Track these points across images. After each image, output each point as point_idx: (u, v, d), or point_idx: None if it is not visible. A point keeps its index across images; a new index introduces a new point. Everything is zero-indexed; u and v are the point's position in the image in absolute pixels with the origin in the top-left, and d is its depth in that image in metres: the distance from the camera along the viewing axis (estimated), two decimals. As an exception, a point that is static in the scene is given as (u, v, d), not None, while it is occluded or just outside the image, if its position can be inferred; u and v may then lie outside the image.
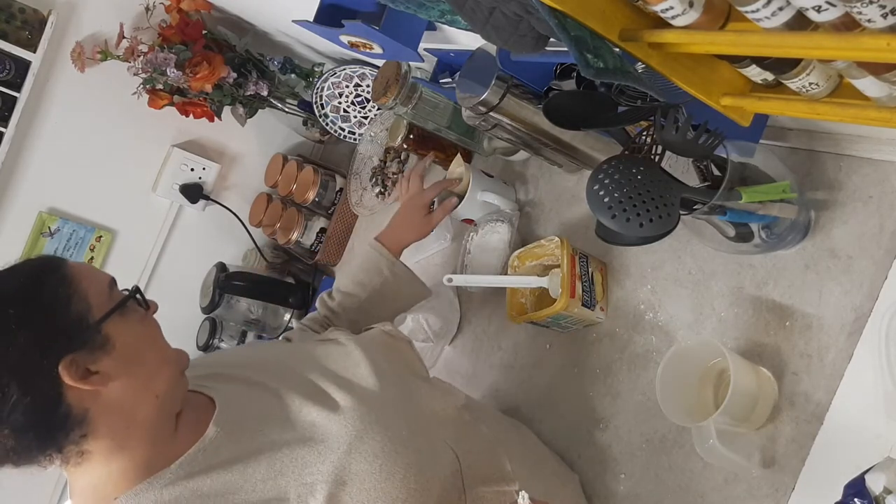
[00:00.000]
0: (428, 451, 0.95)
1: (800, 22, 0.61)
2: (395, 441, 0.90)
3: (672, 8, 0.66)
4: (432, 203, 1.44)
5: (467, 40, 1.25)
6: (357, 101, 1.99)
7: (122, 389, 0.84)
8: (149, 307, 0.93)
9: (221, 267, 2.19)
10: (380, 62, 1.60)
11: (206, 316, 2.26)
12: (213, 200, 2.22)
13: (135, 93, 1.94)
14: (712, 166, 0.96)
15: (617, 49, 0.73)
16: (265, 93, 1.97)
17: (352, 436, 0.89)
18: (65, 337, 0.81)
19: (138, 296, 0.91)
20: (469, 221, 1.52)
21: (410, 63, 1.47)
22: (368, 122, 1.98)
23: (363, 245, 1.29)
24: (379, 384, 0.98)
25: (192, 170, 2.19)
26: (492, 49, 1.12)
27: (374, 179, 1.89)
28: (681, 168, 0.98)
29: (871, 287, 0.91)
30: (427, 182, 1.48)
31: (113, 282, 0.91)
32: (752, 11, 0.61)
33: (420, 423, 0.98)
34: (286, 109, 2.09)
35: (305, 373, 1.00)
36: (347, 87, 1.97)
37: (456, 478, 0.95)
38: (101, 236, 2.16)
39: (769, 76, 0.77)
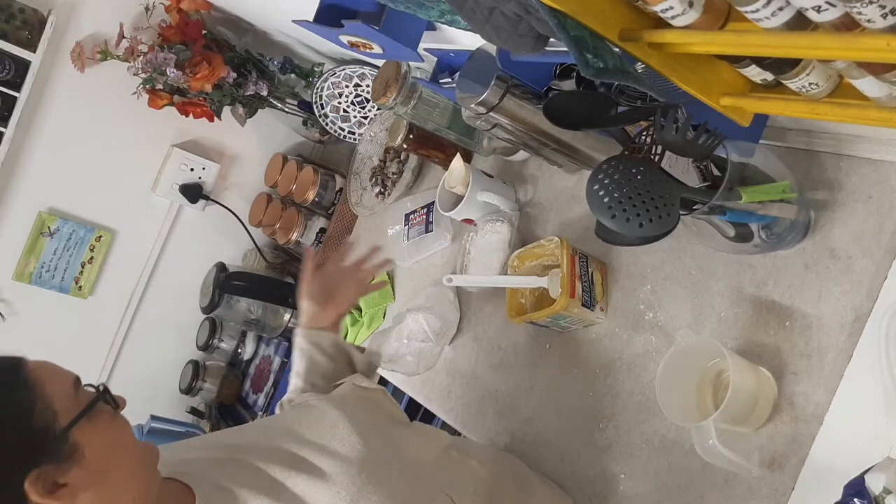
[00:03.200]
0: (424, 500, 0.93)
1: (800, 22, 0.61)
2: (392, 497, 0.87)
3: (672, 8, 0.66)
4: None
5: (467, 40, 1.25)
6: (357, 101, 1.99)
7: (95, 499, 0.77)
8: (118, 405, 0.83)
9: (221, 267, 2.19)
10: (380, 62, 1.60)
11: (206, 316, 2.26)
12: (212, 200, 2.22)
13: (135, 93, 1.95)
14: (712, 166, 0.96)
15: (617, 49, 0.73)
16: (265, 93, 1.97)
17: (347, 502, 0.85)
18: (29, 450, 0.73)
19: (106, 396, 0.82)
20: (469, 221, 1.52)
21: (410, 63, 1.47)
22: (368, 122, 1.98)
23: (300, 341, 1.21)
24: (361, 441, 0.92)
25: (192, 170, 2.19)
26: (492, 49, 1.12)
27: (373, 179, 1.89)
28: (681, 168, 0.98)
29: (870, 287, 0.91)
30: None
31: (77, 380, 0.82)
32: (752, 11, 0.61)
33: (411, 473, 0.95)
34: (286, 109, 2.09)
35: (283, 445, 0.92)
36: (347, 87, 1.97)
37: None
38: (101, 236, 2.16)
39: (769, 76, 0.77)
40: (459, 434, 1.50)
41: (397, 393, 1.83)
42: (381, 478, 0.89)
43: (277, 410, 1.16)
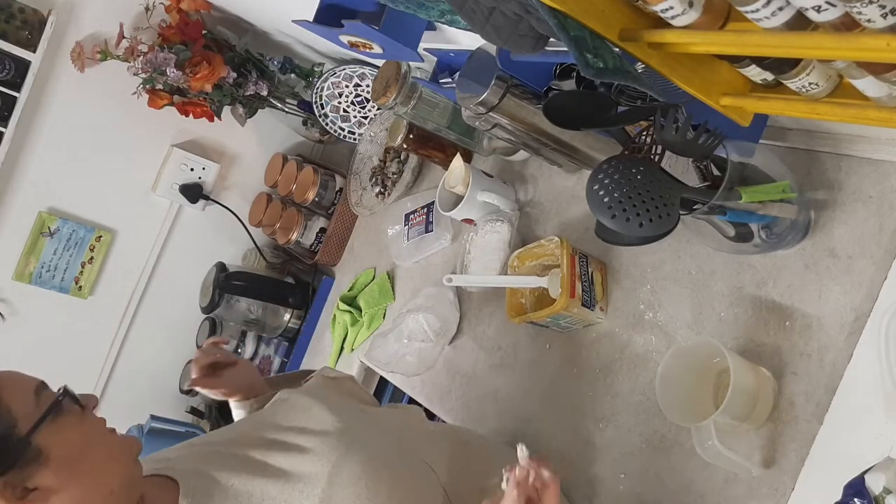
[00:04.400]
0: (405, 462, 0.94)
1: (800, 22, 0.61)
2: (373, 458, 0.90)
3: (672, 8, 0.66)
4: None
5: (467, 40, 1.25)
6: (357, 101, 1.99)
7: (70, 498, 0.78)
8: (84, 405, 0.83)
9: (221, 267, 2.19)
10: (380, 62, 1.60)
11: (205, 316, 2.26)
12: (212, 200, 2.22)
13: (135, 93, 1.94)
14: (712, 166, 0.96)
15: (617, 49, 0.73)
16: (265, 93, 1.97)
17: (328, 468, 0.87)
18: None
19: (68, 397, 0.82)
20: (469, 221, 1.52)
21: (410, 63, 1.47)
22: (368, 122, 1.98)
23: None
24: (336, 417, 0.96)
25: (192, 170, 2.19)
26: (492, 49, 1.12)
27: (373, 179, 1.89)
28: (681, 168, 0.98)
29: (870, 287, 0.91)
30: None
31: (41, 386, 0.81)
32: (752, 11, 0.61)
33: (390, 440, 0.98)
34: (286, 109, 2.09)
35: (262, 433, 0.96)
36: (347, 87, 1.97)
37: (437, 487, 0.95)
38: (100, 236, 2.16)
39: (769, 76, 0.77)
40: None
41: (397, 393, 1.83)
42: (361, 443, 0.92)
43: None
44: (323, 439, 0.91)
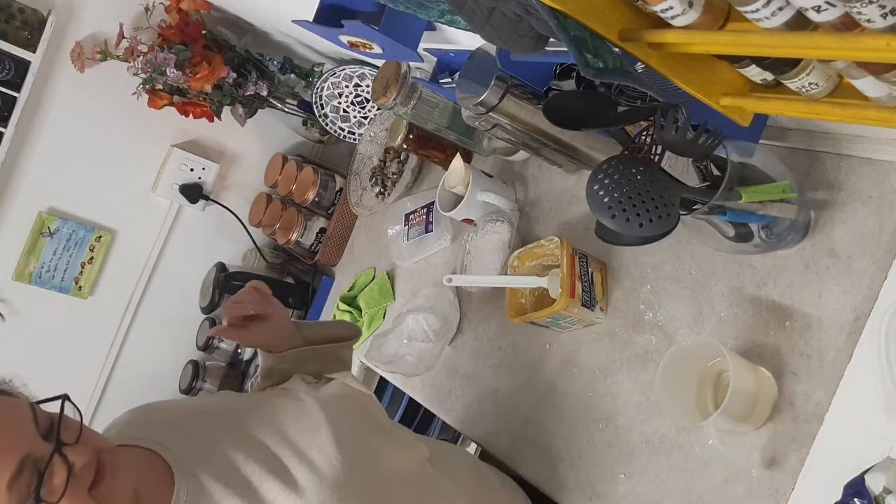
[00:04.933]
0: None
1: (799, 22, 0.61)
2: None
3: (672, 8, 0.66)
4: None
5: (467, 40, 1.25)
6: (357, 101, 1.99)
7: None
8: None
9: (221, 267, 2.19)
10: (380, 62, 1.60)
11: (205, 316, 2.26)
12: (212, 200, 2.22)
13: (134, 93, 1.94)
14: (712, 166, 0.96)
15: (617, 49, 0.73)
16: (265, 93, 1.97)
17: None
18: None
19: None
20: (469, 221, 1.52)
21: (410, 63, 1.47)
22: (368, 122, 1.98)
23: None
24: (339, 455, 0.93)
25: (192, 170, 2.19)
26: (492, 49, 1.12)
27: (373, 179, 1.89)
28: (681, 168, 0.98)
29: (870, 287, 0.91)
30: None
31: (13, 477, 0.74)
32: (752, 11, 0.61)
33: (385, 491, 0.95)
34: (286, 109, 2.09)
35: (264, 438, 0.93)
36: (347, 87, 1.97)
37: None
38: (100, 236, 2.16)
39: (769, 76, 0.77)
40: (457, 433, 1.50)
41: (397, 393, 1.83)
42: (351, 501, 0.90)
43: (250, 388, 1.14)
44: (318, 484, 0.89)
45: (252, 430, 0.94)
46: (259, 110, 2.05)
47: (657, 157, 0.94)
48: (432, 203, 1.65)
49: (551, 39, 0.77)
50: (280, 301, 1.18)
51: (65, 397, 0.81)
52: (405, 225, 1.74)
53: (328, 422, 0.95)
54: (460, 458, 1.25)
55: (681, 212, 0.91)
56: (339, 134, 2.02)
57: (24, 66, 1.87)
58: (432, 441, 1.16)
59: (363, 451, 0.98)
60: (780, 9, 0.60)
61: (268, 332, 1.13)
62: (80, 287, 2.17)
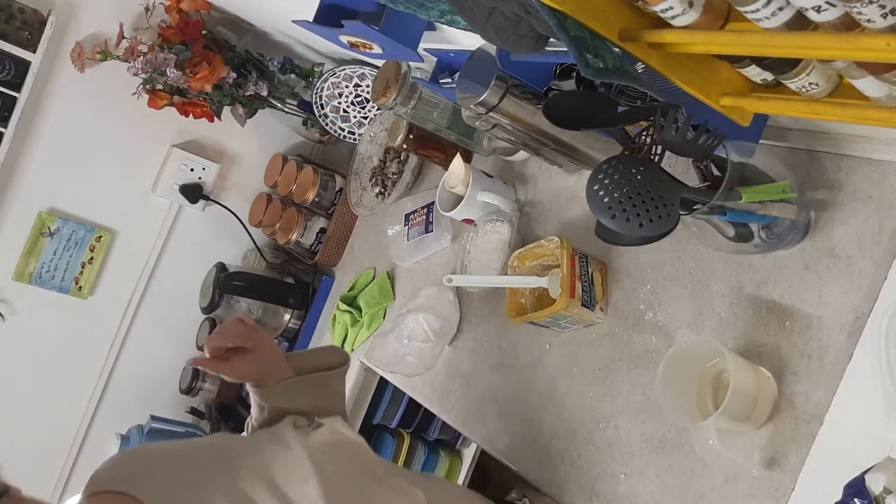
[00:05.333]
0: None
1: (800, 22, 0.61)
2: None
3: (672, 8, 0.66)
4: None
5: (467, 40, 1.25)
6: (357, 101, 1.99)
7: None
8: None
9: (221, 267, 2.19)
10: (380, 62, 1.60)
11: (205, 316, 2.26)
12: (212, 200, 2.22)
13: (135, 93, 1.95)
14: (712, 166, 0.96)
15: (617, 49, 0.73)
16: (265, 93, 1.97)
17: None
18: None
19: None
20: (469, 221, 1.52)
21: (410, 63, 1.47)
22: (368, 122, 1.98)
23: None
24: None
25: (192, 170, 2.19)
26: (492, 49, 1.12)
27: (373, 179, 1.89)
28: (681, 168, 0.98)
29: (870, 287, 0.91)
30: None
31: None
32: (752, 11, 0.61)
33: None
34: (286, 109, 2.09)
35: (248, 488, 0.90)
36: (347, 87, 1.97)
37: None
38: (100, 236, 2.16)
39: (769, 76, 0.77)
40: (458, 433, 1.49)
41: (397, 393, 1.83)
42: None
43: (247, 430, 1.13)
44: None
45: (240, 479, 0.91)
46: (259, 110, 2.05)
47: (657, 157, 0.94)
48: (432, 203, 1.65)
49: (551, 39, 0.77)
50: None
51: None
52: (405, 225, 1.74)
53: (316, 474, 0.93)
54: (458, 497, 1.23)
55: (681, 212, 0.91)
56: (339, 134, 2.02)
57: (24, 66, 1.88)
58: (429, 481, 1.12)
59: (355, 502, 0.96)
60: (781, 9, 0.60)
61: (253, 364, 1.10)
62: (81, 287, 2.17)
